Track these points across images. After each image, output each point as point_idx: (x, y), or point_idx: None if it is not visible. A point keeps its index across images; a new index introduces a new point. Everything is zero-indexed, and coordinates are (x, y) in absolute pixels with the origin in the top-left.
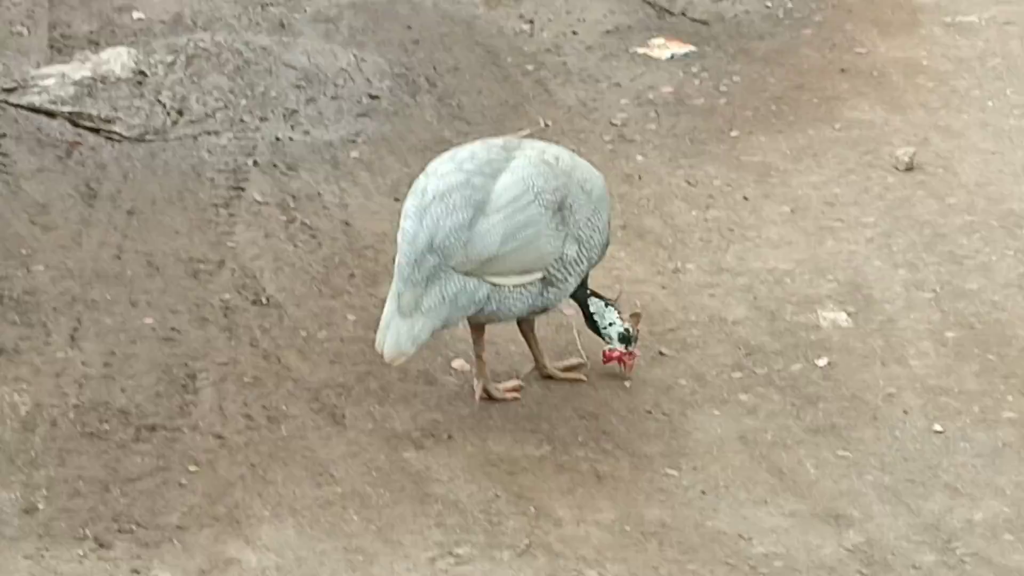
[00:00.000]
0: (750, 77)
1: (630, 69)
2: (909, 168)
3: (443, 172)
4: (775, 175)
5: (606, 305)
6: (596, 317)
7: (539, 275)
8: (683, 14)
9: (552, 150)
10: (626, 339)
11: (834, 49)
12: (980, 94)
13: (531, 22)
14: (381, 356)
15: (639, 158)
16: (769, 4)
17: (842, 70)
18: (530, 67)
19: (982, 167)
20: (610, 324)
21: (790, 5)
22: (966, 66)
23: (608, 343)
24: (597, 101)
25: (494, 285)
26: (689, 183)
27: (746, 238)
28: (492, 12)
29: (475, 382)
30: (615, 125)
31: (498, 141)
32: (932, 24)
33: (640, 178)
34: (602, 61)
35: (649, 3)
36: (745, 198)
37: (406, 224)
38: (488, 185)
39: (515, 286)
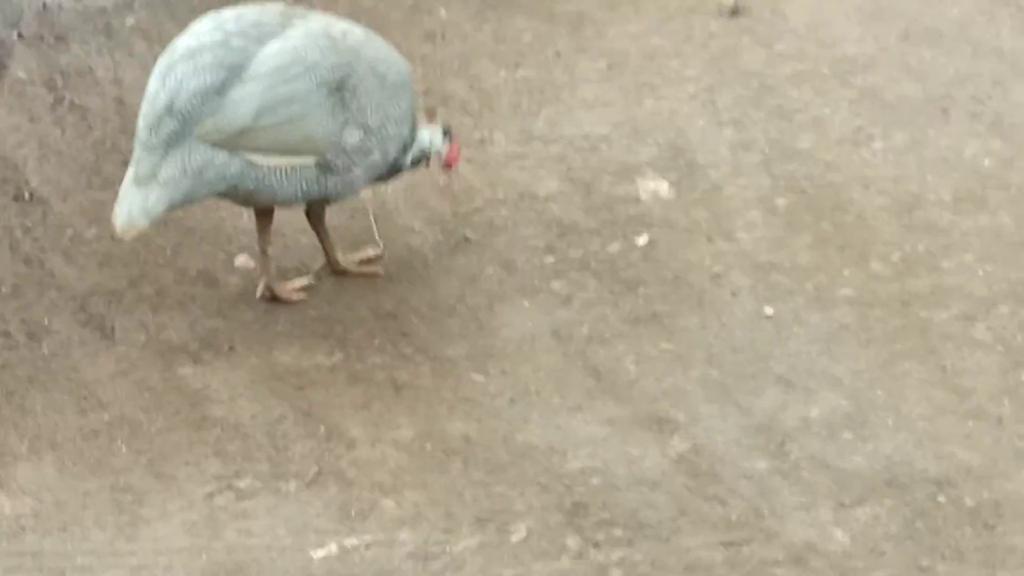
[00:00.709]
0: None
1: None
2: (734, 12)
3: (199, 30)
4: (590, 26)
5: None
6: (419, 154)
7: (311, 159)
8: None
9: (342, 25)
10: (447, 133)
11: None
12: None
13: None
14: (115, 231)
15: (443, 12)
16: None
17: None
18: None
19: (813, 7)
20: (430, 142)
21: None
22: None
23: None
24: None
25: (250, 163)
26: (497, 39)
27: (559, 100)
28: None
29: (259, 281)
30: None
31: (278, 6)
32: None
33: (444, 36)
34: None
35: None
36: (558, 54)
37: (149, 83)
38: (251, 49)
39: (278, 167)
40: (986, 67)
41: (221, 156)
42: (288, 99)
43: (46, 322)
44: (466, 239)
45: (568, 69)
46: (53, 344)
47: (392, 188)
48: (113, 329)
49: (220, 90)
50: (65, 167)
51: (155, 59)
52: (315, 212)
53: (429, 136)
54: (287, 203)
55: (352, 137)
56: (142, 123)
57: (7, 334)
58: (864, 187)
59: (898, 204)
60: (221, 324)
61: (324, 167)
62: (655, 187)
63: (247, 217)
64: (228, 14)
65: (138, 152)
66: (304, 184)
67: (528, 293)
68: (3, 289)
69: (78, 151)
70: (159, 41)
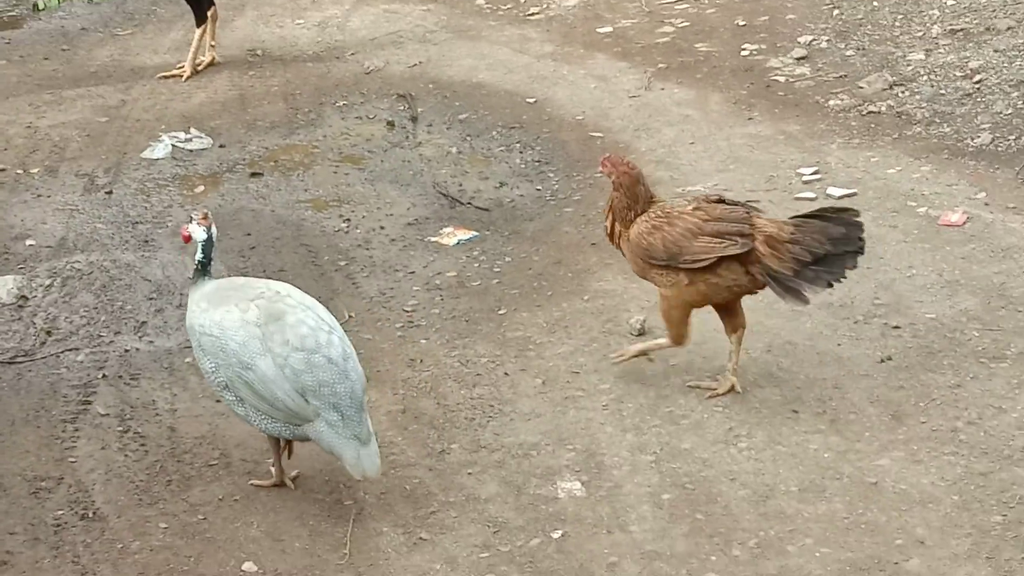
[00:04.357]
0: (519, 256)
1: (424, 257)
2: (641, 333)
3: (306, 331)
4: (532, 348)
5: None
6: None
7: None
8: (470, 203)
9: None
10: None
11: (588, 224)
12: None
13: (348, 220)
14: (366, 479)
15: (423, 342)
16: (540, 187)
17: (592, 244)
18: (342, 262)
19: (700, 327)
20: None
21: (556, 187)
22: None
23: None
24: (394, 290)
25: None
26: (461, 363)
27: (503, 413)
28: (318, 214)
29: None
30: (407, 311)
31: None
32: (667, 195)
33: (422, 361)
34: (402, 251)
35: (443, 194)
36: (506, 374)
37: (329, 376)
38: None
39: None
40: (829, 373)
41: None
42: None
43: None
44: (421, 539)
45: (513, 386)
46: None
47: (363, 490)
48: None
49: None
50: (123, 487)
51: (204, 391)
52: None
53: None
54: None
55: None
56: (350, 401)
57: None
58: (731, 480)
59: (756, 495)
60: None
61: None
62: (570, 487)
63: (256, 527)
64: (305, 317)
65: (356, 421)
66: None
67: None
68: None
69: (135, 473)
70: None
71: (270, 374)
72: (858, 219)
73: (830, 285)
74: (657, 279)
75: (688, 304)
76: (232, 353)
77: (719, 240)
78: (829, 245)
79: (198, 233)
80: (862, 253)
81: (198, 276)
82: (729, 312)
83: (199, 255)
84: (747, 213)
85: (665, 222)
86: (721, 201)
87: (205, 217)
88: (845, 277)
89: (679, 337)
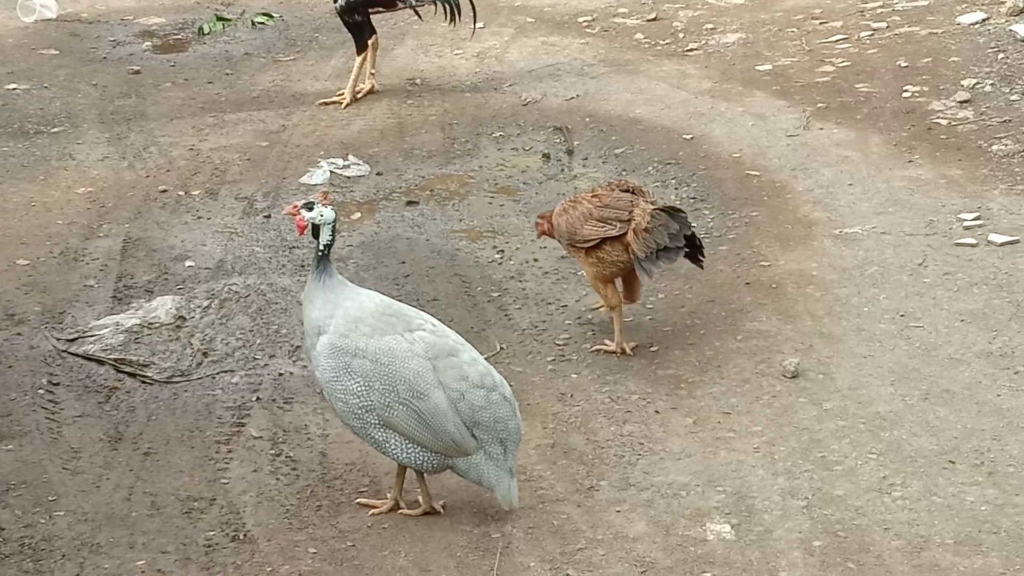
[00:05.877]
0: (672, 294)
1: (577, 291)
2: (794, 376)
3: (483, 369)
4: (684, 387)
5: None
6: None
7: None
8: None
9: None
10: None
11: (742, 263)
12: (858, 301)
13: (502, 251)
14: (511, 510)
15: (574, 376)
16: (694, 225)
17: (747, 283)
18: (495, 293)
19: (855, 370)
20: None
21: (711, 224)
22: (848, 275)
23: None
24: (547, 323)
25: None
26: (612, 399)
27: (653, 452)
28: (472, 244)
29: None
30: (558, 345)
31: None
32: (823, 236)
33: (572, 396)
34: (555, 285)
35: None
36: (657, 411)
37: (505, 412)
38: None
39: None
40: (988, 424)
41: None
42: None
43: None
44: (567, 575)
45: (663, 424)
46: None
47: (511, 524)
48: None
49: None
50: (274, 511)
51: None
52: None
53: (323, 212)
54: None
55: None
56: (516, 436)
57: None
58: (884, 530)
59: (910, 546)
60: None
61: None
62: (719, 529)
63: (403, 556)
64: (476, 356)
65: (513, 455)
66: None
67: None
68: None
69: (285, 497)
70: None
71: (442, 406)
72: (687, 221)
73: (698, 262)
74: (573, 254)
75: (595, 276)
76: (403, 381)
77: (602, 224)
78: (667, 238)
79: (327, 213)
80: (694, 254)
81: (323, 263)
82: (628, 284)
83: (326, 237)
84: (631, 202)
85: (571, 206)
86: (624, 189)
87: (325, 196)
88: (700, 261)
89: (608, 302)
